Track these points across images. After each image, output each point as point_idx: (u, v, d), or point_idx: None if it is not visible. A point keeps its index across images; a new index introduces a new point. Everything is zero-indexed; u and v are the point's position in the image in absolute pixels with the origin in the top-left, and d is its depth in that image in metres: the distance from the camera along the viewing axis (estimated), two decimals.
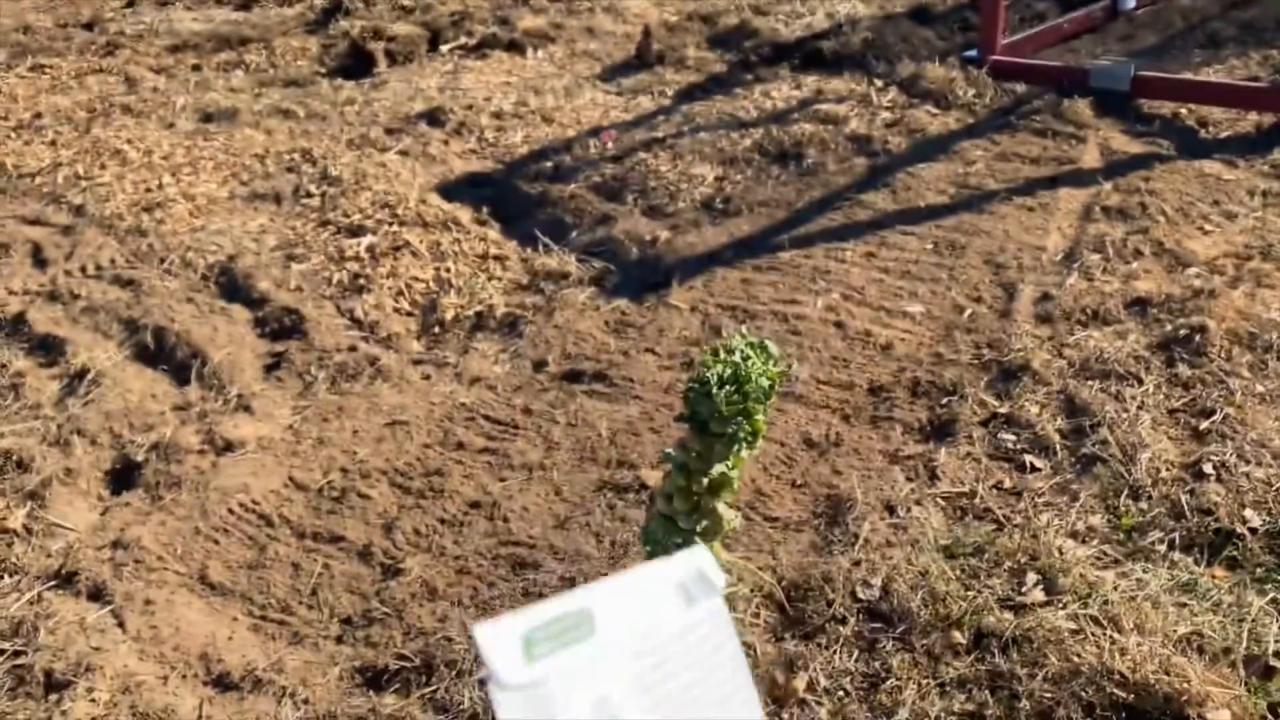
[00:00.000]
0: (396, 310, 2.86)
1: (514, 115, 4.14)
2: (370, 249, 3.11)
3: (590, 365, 2.54)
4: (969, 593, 1.78)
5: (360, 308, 2.84)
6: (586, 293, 2.88)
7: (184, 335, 2.72)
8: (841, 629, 1.74)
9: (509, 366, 2.59)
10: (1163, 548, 1.89)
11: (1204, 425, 2.15)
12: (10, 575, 2.00)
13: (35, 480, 2.23)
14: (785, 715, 1.61)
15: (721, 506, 1.47)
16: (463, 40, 5.04)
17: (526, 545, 2.00)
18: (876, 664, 1.69)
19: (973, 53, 4.19)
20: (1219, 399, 2.21)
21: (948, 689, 1.64)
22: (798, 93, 4.17)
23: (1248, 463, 2.05)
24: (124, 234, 3.29)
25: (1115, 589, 1.77)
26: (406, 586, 1.92)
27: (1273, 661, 1.66)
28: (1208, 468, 2.04)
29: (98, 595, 1.94)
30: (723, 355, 1.37)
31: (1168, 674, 1.61)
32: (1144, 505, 1.97)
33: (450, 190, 3.53)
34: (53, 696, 1.74)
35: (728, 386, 1.33)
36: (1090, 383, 2.30)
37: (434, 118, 4.11)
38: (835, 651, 1.70)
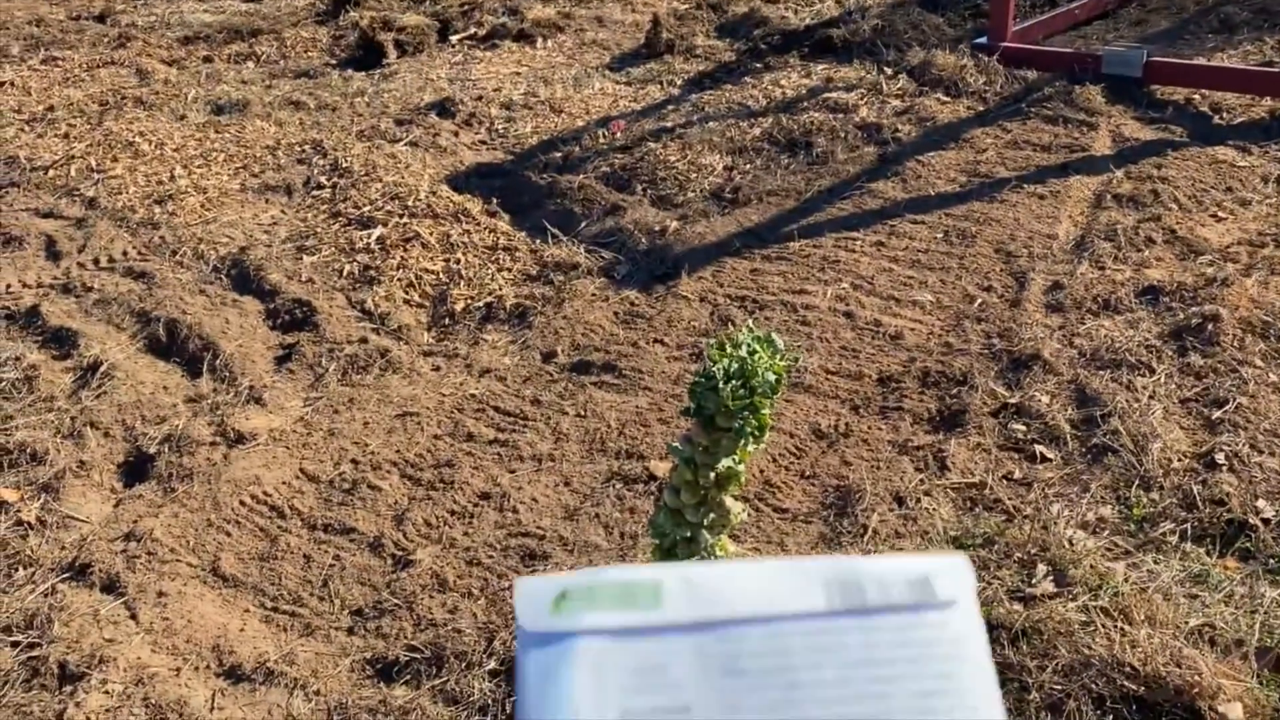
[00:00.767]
0: (407, 302, 2.87)
1: (523, 106, 4.14)
2: (381, 240, 3.12)
3: (599, 356, 2.55)
4: (978, 584, 1.77)
5: (371, 299, 2.85)
6: (596, 283, 2.88)
7: (196, 327, 2.73)
8: None
9: (518, 358, 2.60)
10: (1174, 539, 1.88)
11: (1216, 415, 2.14)
12: (25, 567, 2.02)
13: (49, 473, 2.24)
14: None
15: (729, 500, 1.47)
16: (472, 30, 5.03)
17: (536, 536, 2.01)
18: None
19: (983, 39, 4.15)
20: (1231, 388, 2.20)
21: None
22: (807, 81, 4.15)
23: (1260, 453, 2.03)
24: (136, 226, 3.30)
25: (1126, 580, 1.77)
26: (417, 578, 1.93)
27: None
28: (1220, 458, 2.03)
29: (111, 587, 1.96)
30: (729, 349, 1.36)
31: (1179, 666, 1.61)
32: (1155, 496, 1.96)
33: (460, 181, 3.53)
34: (67, 688, 1.76)
35: (734, 381, 1.33)
36: (1101, 372, 2.29)
37: (444, 108, 4.11)
38: None
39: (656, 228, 3.13)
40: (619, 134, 3.78)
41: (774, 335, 1.39)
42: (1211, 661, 1.63)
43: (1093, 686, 1.60)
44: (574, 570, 0.37)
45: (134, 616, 1.90)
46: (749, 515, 1.97)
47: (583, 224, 3.22)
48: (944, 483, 2.04)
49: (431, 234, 3.13)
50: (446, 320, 2.80)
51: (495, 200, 3.37)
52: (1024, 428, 2.17)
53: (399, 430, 2.34)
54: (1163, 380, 2.25)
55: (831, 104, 3.84)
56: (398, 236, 3.13)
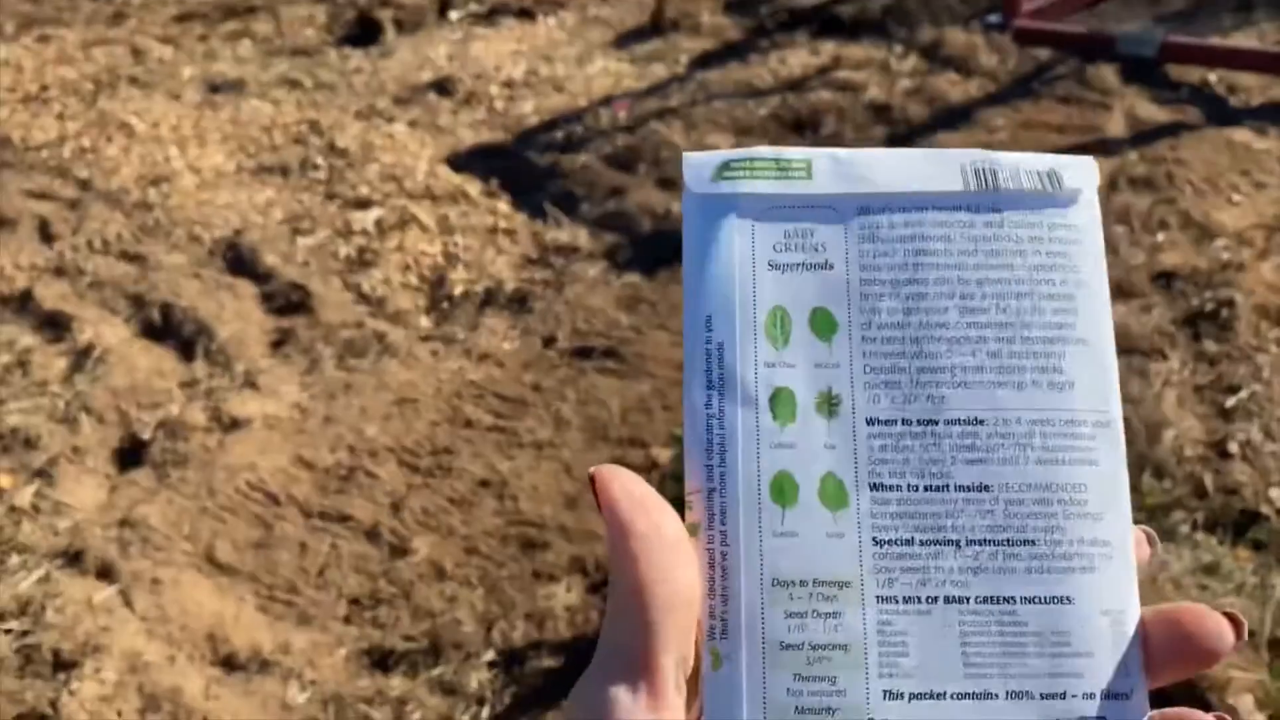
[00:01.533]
0: (404, 285, 2.83)
1: (524, 84, 4.08)
2: (378, 222, 3.07)
3: (601, 341, 2.51)
4: None
5: (367, 283, 2.81)
6: (598, 267, 2.83)
7: (191, 311, 2.69)
8: None
9: (518, 343, 2.56)
10: (1186, 528, 1.84)
11: (1230, 402, 2.10)
12: (18, 554, 1.99)
13: (43, 458, 2.21)
14: None
15: None
16: (472, 7, 4.96)
17: (536, 525, 1.98)
18: None
19: (996, 18, 4.08)
20: (1246, 375, 2.16)
21: None
22: (815, 60, 4.09)
23: (1274, 440, 2.00)
24: (131, 208, 3.26)
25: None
26: (414, 567, 1.90)
27: None
28: (1233, 446, 1.99)
29: (105, 574, 1.93)
30: None
31: None
32: (1167, 484, 1.92)
33: (459, 162, 3.48)
34: (60, 676, 1.74)
35: None
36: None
37: (443, 87, 4.05)
38: None
39: (661, 210, 3.08)
40: (622, 114, 3.72)
41: None
42: None
43: None
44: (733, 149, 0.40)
45: (128, 604, 1.87)
46: None
47: (585, 206, 3.17)
48: None
49: (429, 216, 3.09)
50: (445, 304, 2.76)
51: (495, 181, 3.33)
52: None
53: (396, 416, 2.31)
54: (1176, 367, 2.21)
55: (840, 83, 3.78)
56: (395, 219, 3.08)
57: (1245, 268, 2.48)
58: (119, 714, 1.68)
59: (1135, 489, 1.94)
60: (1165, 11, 4.31)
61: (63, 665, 1.75)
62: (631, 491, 0.34)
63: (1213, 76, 3.60)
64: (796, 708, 0.33)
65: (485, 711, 1.65)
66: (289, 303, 2.77)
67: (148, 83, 4.27)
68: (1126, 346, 2.28)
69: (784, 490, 0.34)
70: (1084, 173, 0.39)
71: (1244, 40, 3.90)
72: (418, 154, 3.48)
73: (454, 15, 4.91)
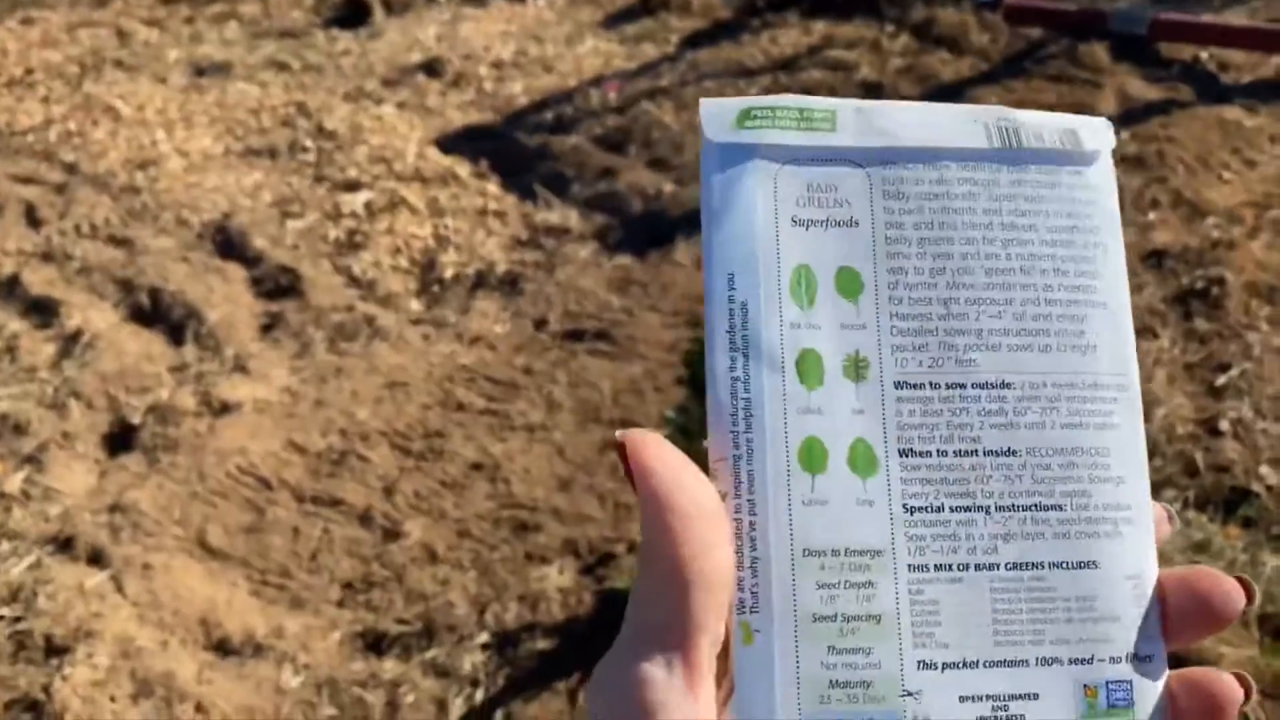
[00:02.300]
0: (394, 268, 2.82)
1: (514, 65, 4.05)
2: (367, 205, 3.06)
3: (592, 324, 2.50)
4: None
5: (357, 266, 2.80)
6: (588, 248, 2.82)
7: (179, 295, 2.68)
8: None
9: (509, 325, 2.55)
10: (1177, 506, 1.85)
11: (1221, 380, 2.10)
12: (8, 540, 1.98)
13: (32, 444, 2.20)
14: None
15: None
16: None
17: (528, 508, 1.98)
18: None
19: None
20: (1236, 353, 2.16)
21: None
22: (806, 39, 4.07)
23: (1265, 418, 2.00)
24: (118, 192, 3.23)
25: None
26: (407, 550, 1.90)
27: None
28: (1224, 424, 1.99)
29: (96, 560, 1.93)
30: None
31: None
32: (1158, 463, 1.93)
33: (448, 143, 3.46)
34: (53, 661, 1.73)
35: None
36: None
37: (432, 68, 4.02)
38: None
39: (651, 191, 3.07)
40: (613, 94, 3.70)
41: None
42: None
43: None
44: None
45: (120, 589, 1.87)
46: None
47: (575, 187, 3.15)
48: None
49: (419, 198, 3.07)
50: (435, 287, 2.75)
51: (485, 163, 3.31)
52: None
53: (388, 400, 2.30)
54: (1167, 345, 2.21)
55: (832, 62, 3.76)
56: (385, 201, 3.07)
57: (1236, 246, 2.48)
58: (112, 699, 1.68)
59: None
60: None
61: (55, 651, 1.75)
62: (667, 460, 0.32)
63: (1204, 54, 3.59)
64: (831, 681, 0.32)
65: (479, 693, 1.65)
66: (278, 286, 2.75)
67: (133, 66, 4.23)
68: None
69: (813, 457, 0.33)
70: (1101, 134, 0.39)
71: (1235, 18, 3.89)
72: (407, 136, 3.46)
73: None
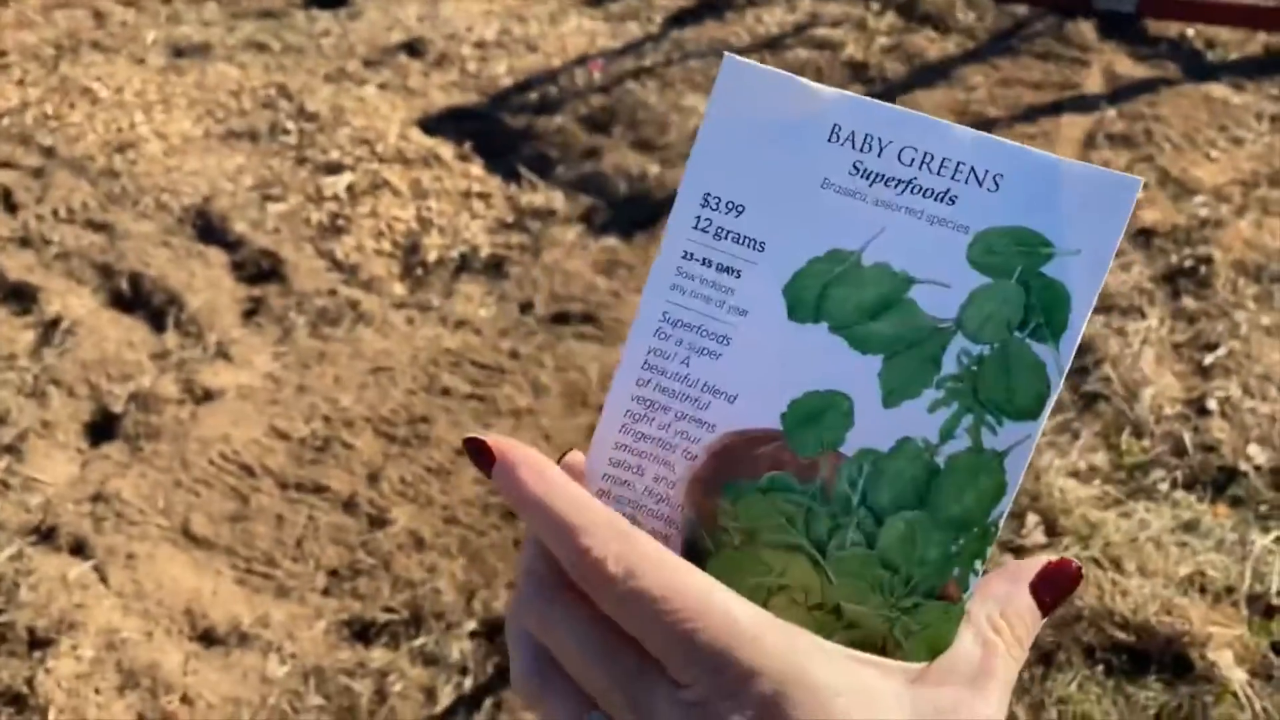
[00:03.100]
0: (377, 252, 2.78)
1: (497, 45, 4.00)
2: (349, 188, 3.02)
3: (579, 307, 2.48)
4: None
5: (340, 249, 2.76)
6: (574, 231, 2.80)
7: (160, 280, 2.64)
8: None
9: (495, 309, 2.52)
10: (1165, 486, 1.85)
11: (1208, 360, 2.10)
12: None
13: (12, 433, 2.17)
14: None
15: None
16: None
17: None
18: None
19: None
20: (1224, 332, 2.16)
21: None
22: (791, 17, 4.03)
23: (1253, 397, 2.00)
24: (96, 176, 3.19)
25: (1117, 530, 1.74)
26: (393, 537, 1.88)
27: (1275, 600, 1.64)
28: (1212, 403, 1.99)
29: (79, 550, 1.91)
30: None
31: (1169, 615, 1.59)
32: (1147, 443, 1.93)
33: (431, 125, 3.42)
34: (36, 654, 1.71)
35: None
36: (1093, 318, 2.24)
37: (414, 49, 3.97)
38: None
39: (637, 172, 3.04)
40: (597, 74, 3.66)
41: None
42: (1202, 609, 1.61)
43: (1082, 638, 1.58)
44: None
45: (104, 580, 1.85)
46: None
47: (560, 168, 3.12)
48: None
49: (402, 180, 3.03)
50: (419, 271, 2.72)
51: (468, 144, 3.27)
52: None
53: (372, 385, 2.28)
54: (1155, 325, 2.21)
55: (817, 41, 3.74)
56: (367, 183, 3.03)
57: (1223, 224, 2.47)
58: (97, 691, 1.66)
59: (1115, 448, 1.94)
60: None
61: (38, 643, 1.73)
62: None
63: (1190, 31, 3.58)
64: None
65: (468, 681, 1.64)
66: (260, 271, 2.72)
67: (110, 47, 4.16)
68: (1106, 305, 2.28)
69: None
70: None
71: None
72: (389, 117, 3.41)
73: None
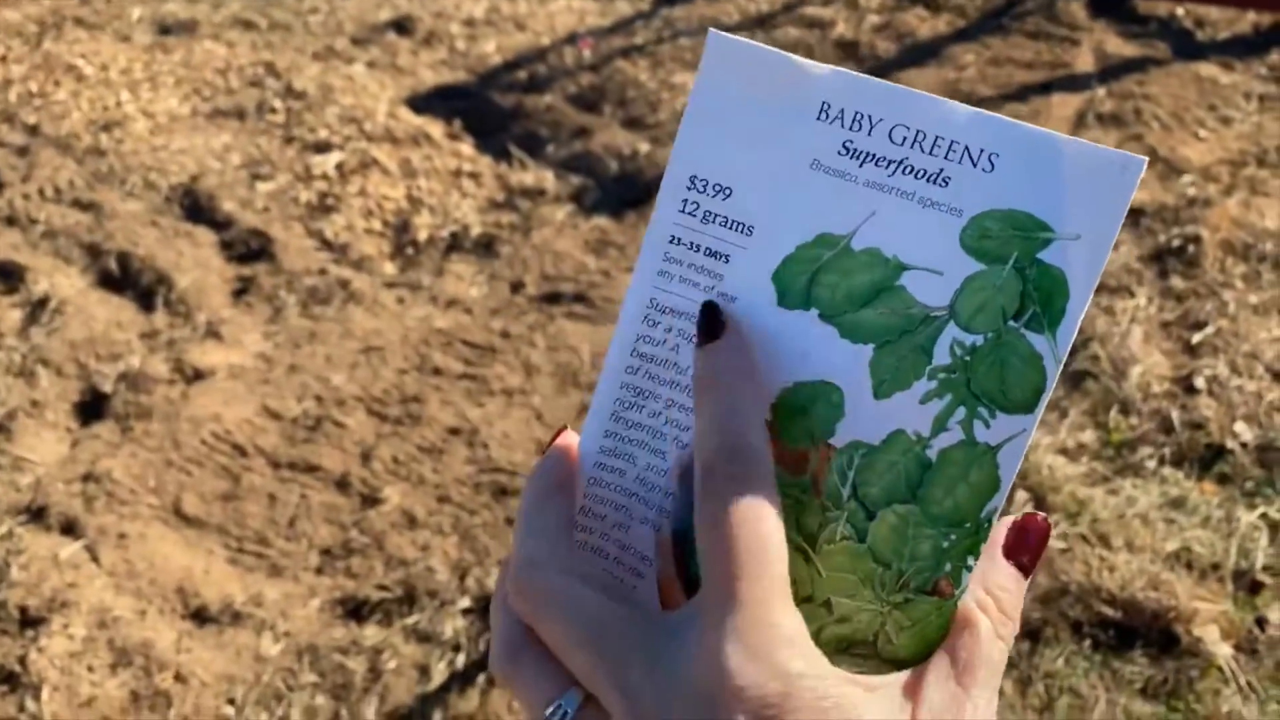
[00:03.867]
0: (367, 231, 2.77)
1: (486, 23, 3.98)
2: (338, 166, 3.00)
3: (570, 286, 2.48)
4: None
5: (330, 229, 2.75)
6: (565, 210, 2.79)
7: (148, 260, 2.62)
8: None
9: (486, 288, 2.52)
10: (1153, 463, 1.86)
11: (1196, 338, 2.11)
12: None
13: (0, 413, 2.16)
14: None
15: None
16: None
17: (508, 471, 1.97)
18: None
19: None
20: (1212, 311, 2.17)
21: None
22: None
23: (1240, 375, 2.02)
24: (82, 154, 3.16)
25: (1105, 506, 1.76)
26: (386, 516, 1.89)
27: (1260, 576, 1.66)
28: (1199, 381, 2.01)
29: (70, 530, 1.90)
30: None
31: (1156, 590, 1.61)
32: (1134, 420, 1.94)
33: (420, 103, 3.40)
34: (28, 633, 1.71)
35: None
36: None
37: (402, 26, 3.94)
38: None
39: (627, 151, 3.04)
40: (587, 52, 3.65)
41: None
42: (1188, 585, 1.63)
43: (1069, 613, 1.60)
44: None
45: (95, 559, 1.85)
46: None
47: (550, 147, 3.11)
48: None
49: (391, 159, 3.02)
50: (410, 250, 2.71)
51: (458, 123, 3.26)
52: None
53: (363, 365, 2.27)
54: (1143, 304, 2.22)
55: (807, 20, 3.72)
56: (356, 162, 3.01)
57: (1211, 204, 2.49)
58: (89, 669, 1.66)
59: (1103, 425, 1.96)
60: None
61: (30, 622, 1.73)
62: None
63: (1180, 10, 3.58)
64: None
65: (461, 658, 1.65)
66: (250, 250, 2.70)
67: (95, 24, 4.11)
68: None
69: None
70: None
71: None
72: (377, 95, 3.39)
73: None
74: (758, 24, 3.76)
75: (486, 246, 2.69)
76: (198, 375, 2.25)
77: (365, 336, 2.36)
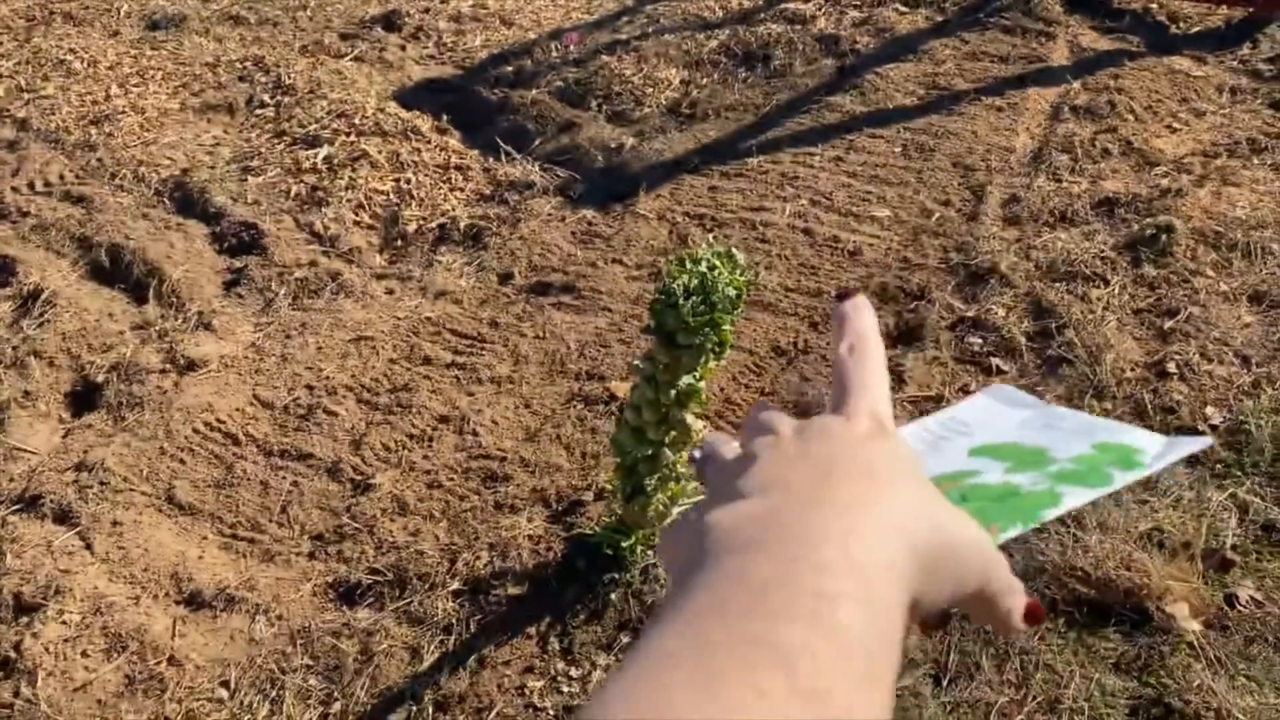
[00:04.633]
0: (357, 223, 2.80)
1: (472, 18, 4.00)
2: (328, 160, 3.03)
3: (557, 277, 2.51)
4: None
5: (320, 221, 2.78)
6: (552, 202, 2.83)
7: (140, 252, 2.65)
8: None
9: (474, 279, 2.55)
10: None
11: (1168, 325, 2.16)
12: None
13: None
14: None
15: (689, 417, 1.47)
16: None
17: (497, 458, 2.00)
18: None
19: None
20: (1183, 298, 2.22)
21: None
22: None
23: (1210, 361, 2.07)
24: (72, 148, 3.17)
25: None
26: (377, 502, 1.92)
27: (1229, 554, 1.70)
28: (1171, 367, 2.06)
29: (64, 518, 1.93)
30: (689, 266, 1.34)
31: (1129, 569, 1.65)
32: (1108, 405, 1.99)
33: (408, 98, 3.42)
34: (23, 619, 1.74)
35: (694, 298, 1.31)
36: (1057, 284, 2.30)
37: (390, 21, 3.96)
38: None
39: (613, 144, 3.07)
40: (572, 47, 3.68)
41: (734, 250, 1.37)
42: (1160, 564, 1.67)
43: (1045, 591, 1.64)
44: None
45: (89, 547, 1.87)
46: (709, 433, 1.97)
47: (537, 141, 3.14)
48: (901, 396, 2.06)
49: (380, 153, 3.04)
50: (399, 242, 2.74)
51: (445, 117, 3.28)
52: (980, 340, 2.18)
53: (354, 354, 2.30)
54: (1117, 292, 2.27)
55: (789, 15, 3.76)
56: (345, 156, 3.04)
57: (1184, 193, 2.54)
58: (84, 655, 1.69)
59: (1078, 409, 2.00)
60: None
61: (24, 609, 1.75)
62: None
63: (1154, 4, 3.64)
64: None
65: (452, 640, 1.68)
66: (240, 242, 2.73)
67: (84, 19, 4.12)
68: (1069, 272, 2.34)
69: None
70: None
71: None
72: (366, 90, 3.42)
73: None
74: (739, 20, 3.80)
75: (475, 238, 2.72)
76: (190, 366, 2.28)
77: (355, 327, 2.39)
